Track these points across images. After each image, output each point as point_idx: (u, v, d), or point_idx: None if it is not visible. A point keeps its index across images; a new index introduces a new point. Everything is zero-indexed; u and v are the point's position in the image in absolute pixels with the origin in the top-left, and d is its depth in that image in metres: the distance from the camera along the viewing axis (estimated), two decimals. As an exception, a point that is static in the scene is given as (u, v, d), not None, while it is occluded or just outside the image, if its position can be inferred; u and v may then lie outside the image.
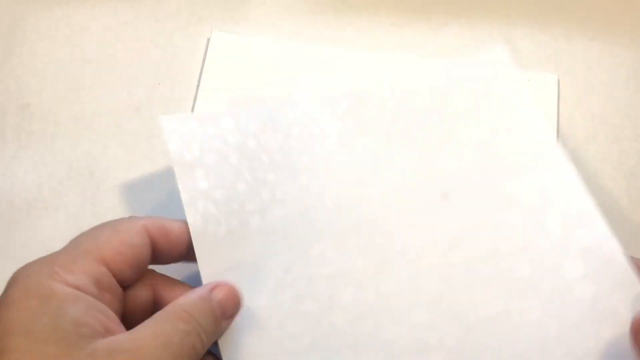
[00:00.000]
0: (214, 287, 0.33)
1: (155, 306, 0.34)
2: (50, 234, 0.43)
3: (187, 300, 0.32)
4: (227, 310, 0.33)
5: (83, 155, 0.46)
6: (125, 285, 0.33)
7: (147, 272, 0.35)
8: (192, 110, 0.47)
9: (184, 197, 0.37)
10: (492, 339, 0.37)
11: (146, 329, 0.30)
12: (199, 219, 0.37)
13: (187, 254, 0.36)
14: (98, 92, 0.48)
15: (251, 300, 0.37)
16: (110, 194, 0.45)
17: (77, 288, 0.29)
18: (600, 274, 0.38)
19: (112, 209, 0.44)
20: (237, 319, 0.35)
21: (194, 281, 0.36)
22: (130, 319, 0.33)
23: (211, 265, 0.37)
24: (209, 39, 0.49)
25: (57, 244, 0.43)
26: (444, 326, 0.38)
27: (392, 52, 0.48)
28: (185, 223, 0.36)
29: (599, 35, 0.49)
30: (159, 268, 0.36)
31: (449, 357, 0.37)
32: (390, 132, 0.44)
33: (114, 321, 0.30)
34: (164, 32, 0.50)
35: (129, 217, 0.34)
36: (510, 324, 0.37)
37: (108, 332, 0.29)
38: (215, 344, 0.34)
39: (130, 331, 0.29)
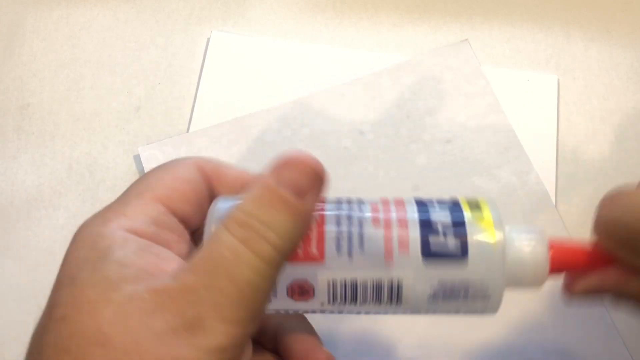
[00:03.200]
0: (281, 166, 0.25)
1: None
2: (50, 234, 0.43)
3: (245, 195, 0.25)
4: (301, 185, 0.25)
5: (83, 155, 0.46)
6: (192, 227, 0.29)
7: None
8: (192, 109, 0.47)
9: None
10: (460, 326, 0.40)
11: (195, 256, 0.24)
12: None
13: None
14: (98, 92, 0.48)
15: None
16: (110, 194, 0.45)
17: (133, 230, 0.26)
18: None
19: (112, 209, 0.44)
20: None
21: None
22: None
23: None
24: (208, 39, 0.49)
25: (57, 244, 0.43)
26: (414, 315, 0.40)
27: (392, 52, 0.48)
28: (241, 172, 0.30)
29: (599, 35, 0.49)
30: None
31: (420, 342, 0.40)
32: (362, 127, 0.45)
33: (172, 262, 0.26)
34: (164, 32, 0.50)
35: (180, 158, 0.30)
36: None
37: (162, 274, 0.24)
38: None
39: (180, 266, 0.25)
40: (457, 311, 0.27)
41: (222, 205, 0.27)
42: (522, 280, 0.27)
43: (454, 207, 0.27)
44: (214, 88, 0.47)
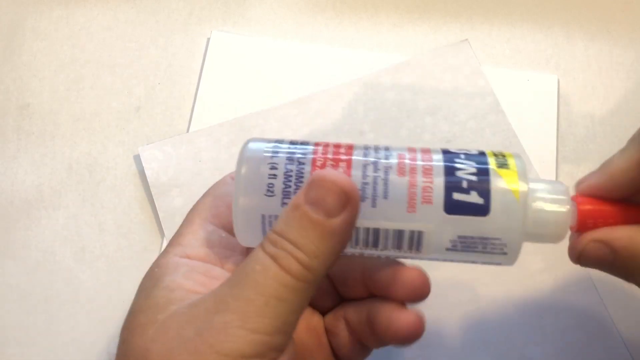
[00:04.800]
0: (309, 185, 0.25)
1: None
2: (50, 234, 0.43)
3: (278, 218, 0.26)
4: (329, 204, 0.25)
5: (83, 155, 0.46)
6: None
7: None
8: (192, 109, 0.47)
9: (161, 214, 0.43)
10: (460, 325, 0.40)
11: (233, 272, 0.26)
12: None
13: None
14: (98, 92, 0.48)
15: None
16: (110, 193, 0.45)
17: (186, 255, 0.28)
18: (557, 268, 0.41)
19: (112, 209, 0.44)
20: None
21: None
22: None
23: None
24: (208, 39, 0.49)
25: (57, 244, 0.43)
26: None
27: (392, 52, 0.48)
28: None
29: (599, 35, 0.49)
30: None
31: (419, 342, 0.39)
32: (362, 127, 0.45)
33: (220, 279, 0.27)
34: (164, 32, 0.50)
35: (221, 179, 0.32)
36: (477, 311, 0.41)
37: (206, 291, 0.26)
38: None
39: (224, 281, 0.26)
40: (473, 262, 0.27)
41: (252, 146, 0.28)
42: (542, 236, 0.27)
43: (481, 161, 0.27)
44: (214, 88, 0.47)
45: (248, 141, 0.28)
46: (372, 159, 0.27)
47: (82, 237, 0.43)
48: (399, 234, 0.26)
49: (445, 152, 0.27)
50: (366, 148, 0.27)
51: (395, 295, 0.30)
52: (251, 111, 0.46)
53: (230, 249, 0.29)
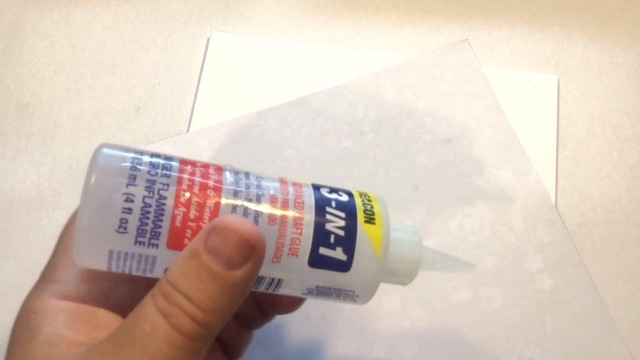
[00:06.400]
0: (209, 232, 0.23)
1: None
2: (50, 234, 0.43)
3: (175, 260, 0.23)
4: (231, 255, 0.23)
5: (83, 155, 0.46)
6: None
7: None
8: (192, 109, 0.47)
9: None
10: (460, 325, 0.40)
11: (121, 324, 0.23)
12: None
13: None
14: (98, 92, 0.48)
15: None
16: (110, 194, 0.45)
17: (64, 296, 0.25)
18: (557, 268, 0.41)
19: (112, 209, 0.44)
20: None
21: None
22: None
23: None
24: (208, 39, 0.49)
25: (57, 244, 0.43)
26: (415, 313, 0.40)
27: (392, 52, 0.48)
28: None
29: (599, 35, 0.49)
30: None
31: (420, 342, 0.40)
32: (362, 127, 0.45)
33: (103, 328, 0.25)
34: (164, 32, 0.50)
35: None
36: (477, 311, 0.41)
37: (93, 343, 0.24)
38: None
39: (110, 336, 0.24)
40: (327, 300, 0.28)
41: (107, 152, 0.24)
42: (393, 280, 0.28)
43: (350, 212, 0.26)
44: (214, 88, 0.47)
45: (101, 147, 0.24)
46: (242, 203, 0.25)
47: (82, 237, 0.43)
48: (259, 279, 0.26)
49: (316, 189, 0.27)
50: (236, 184, 0.25)
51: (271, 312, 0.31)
52: (251, 111, 0.46)
53: (113, 280, 0.27)
